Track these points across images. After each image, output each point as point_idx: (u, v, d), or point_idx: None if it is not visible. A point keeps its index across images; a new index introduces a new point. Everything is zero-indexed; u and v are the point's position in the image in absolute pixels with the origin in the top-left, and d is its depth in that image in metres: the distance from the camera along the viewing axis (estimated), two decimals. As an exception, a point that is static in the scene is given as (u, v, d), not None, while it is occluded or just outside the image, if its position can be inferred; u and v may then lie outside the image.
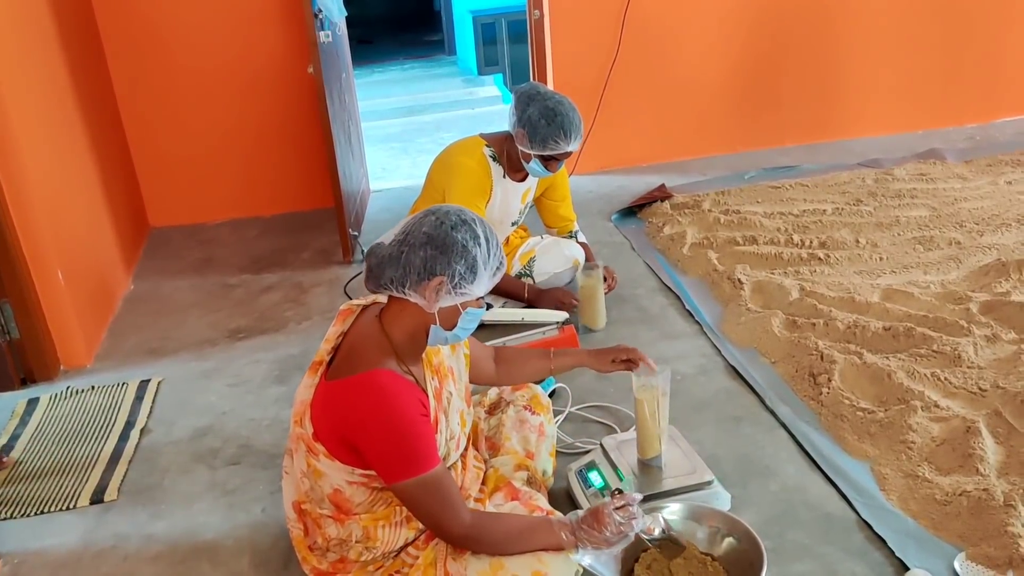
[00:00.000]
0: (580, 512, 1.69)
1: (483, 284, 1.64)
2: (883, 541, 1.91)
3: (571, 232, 3.25)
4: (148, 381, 2.86)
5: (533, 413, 2.04)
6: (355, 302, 1.79)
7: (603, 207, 4.15)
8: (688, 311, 3.06)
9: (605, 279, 2.99)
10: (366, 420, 1.56)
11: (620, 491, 1.71)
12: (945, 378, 2.47)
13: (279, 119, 4.20)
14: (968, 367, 2.51)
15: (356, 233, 3.81)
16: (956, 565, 1.82)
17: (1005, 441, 2.20)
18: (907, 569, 1.79)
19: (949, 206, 3.78)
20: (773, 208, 3.91)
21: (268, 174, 4.32)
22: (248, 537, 2.10)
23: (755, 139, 4.81)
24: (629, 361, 1.99)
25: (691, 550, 1.82)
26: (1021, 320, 2.72)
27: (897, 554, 1.86)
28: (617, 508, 1.66)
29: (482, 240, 1.62)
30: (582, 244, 3.19)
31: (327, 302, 3.32)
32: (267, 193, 4.36)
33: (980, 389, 2.41)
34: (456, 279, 1.59)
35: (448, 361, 1.82)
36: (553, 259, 3.06)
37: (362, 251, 3.69)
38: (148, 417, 2.66)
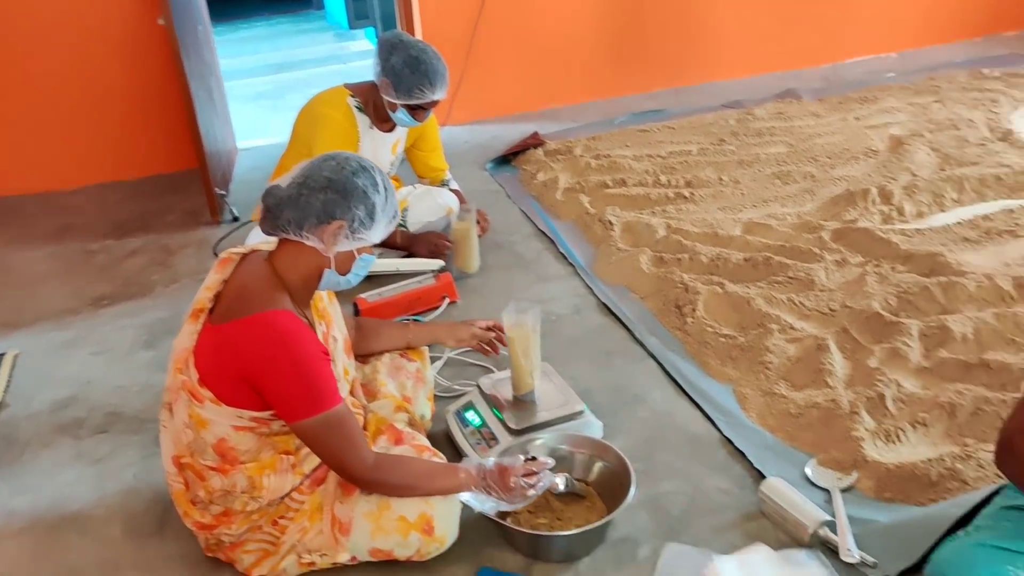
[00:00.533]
0: (490, 461, 1.73)
1: (379, 231, 1.67)
2: (744, 455, 2.03)
3: (443, 181, 3.24)
4: (2, 355, 2.71)
5: (409, 360, 2.06)
6: (234, 250, 1.76)
7: (477, 156, 4.16)
8: (562, 254, 3.12)
9: (478, 222, 3.01)
10: (269, 358, 1.55)
11: (535, 458, 1.75)
12: (799, 302, 2.61)
13: (130, 75, 4.00)
14: (820, 290, 2.67)
15: (224, 193, 3.69)
16: (807, 471, 1.96)
17: (851, 356, 2.36)
18: (764, 478, 1.91)
19: (804, 142, 3.97)
20: (641, 151, 4.01)
21: (126, 136, 4.12)
22: (120, 504, 2.05)
23: (624, 85, 4.90)
24: (491, 344, 2.13)
25: (567, 477, 1.89)
26: (866, 245, 2.90)
27: (756, 466, 1.98)
28: (526, 474, 1.71)
29: (380, 187, 1.65)
30: (455, 191, 3.20)
31: (196, 263, 3.23)
32: (128, 156, 4.16)
33: (830, 310, 2.57)
34: (355, 224, 1.62)
35: (330, 309, 1.83)
36: (427, 208, 3.06)
37: (231, 211, 3.59)
38: (4, 392, 2.54)
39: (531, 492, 1.70)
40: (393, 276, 2.83)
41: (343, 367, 1.80)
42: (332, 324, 1.80)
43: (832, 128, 4.14)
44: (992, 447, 1.89)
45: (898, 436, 2.03)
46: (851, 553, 1.68)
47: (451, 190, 3.20)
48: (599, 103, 4.82)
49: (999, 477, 1.72)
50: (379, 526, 1.63)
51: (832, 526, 1.75)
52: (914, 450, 2.01)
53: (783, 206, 3.36)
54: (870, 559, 1.67)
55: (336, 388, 1.62)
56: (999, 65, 4.81)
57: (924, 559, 1.56)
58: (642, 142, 4.15)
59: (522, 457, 1.74)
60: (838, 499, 1.84)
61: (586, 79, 4.82)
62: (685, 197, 3.47)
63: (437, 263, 2.87)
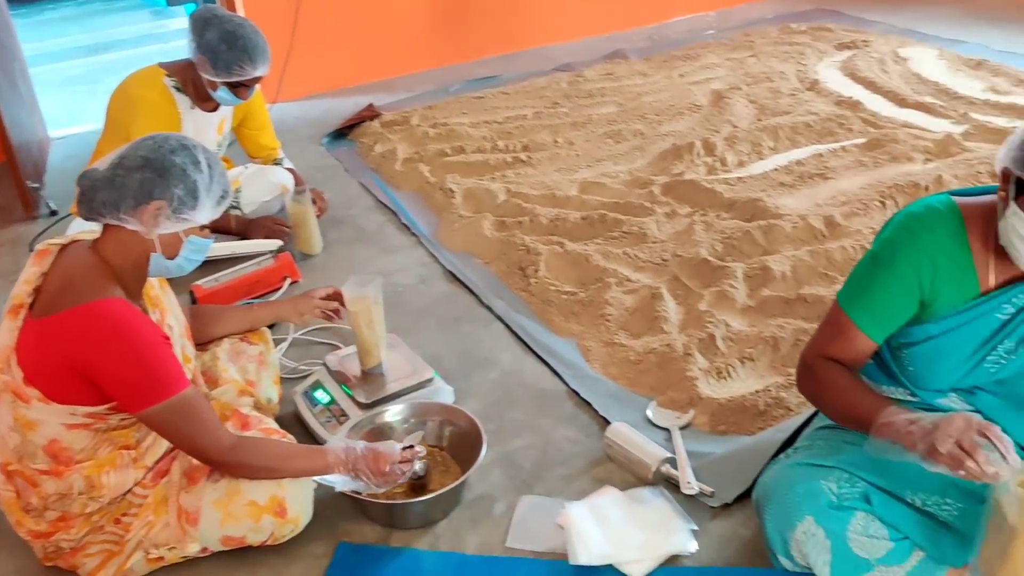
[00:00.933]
0: (360, 445, 1.70)
1: (206, 211, 1.61)
2: (589, 405, 2.11)
3: (276, 160, 3.16)
4: None
5: (250, 343, 2.01)
6: (52, 241, 1.65)
7: (312, 132, 4.07)
8: (404, 225, 3.11)
9: (315, 202, 2.95)
10: (104, 347, 1.48)
11: (412, 445, 1.74)
12: (634, 255, 2.73)
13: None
14: (652, 242, 2.79)
15: (37, 185, 3.45)
16: (648, 412, 2.06)
17: (684, 301, 2.48)
18: (609, 424, 1.99)
19: (633, 101, 4.10)
20: (478, 117, 4.03)
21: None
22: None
23: (456, 53, 4.90)
24: (333, 312, 2.11)
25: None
26: (693, 196, 3.05)
27: (601, 413, 2.07)
28: (402, 461, 1.70)
29: (203, 165, 1.58)
30: (290, 170, 3.12)
31: (12, 262, 3.00)
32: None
33: (663, 260, 2.69)
34: (175, 203, 1.55)
35: (163, 296, 1.76)
36: (260, 187, 2.97)
37: (46, 204, 3.37)
38: None
39: (402, 479, 1.71)
40: (230, 260, 2.74)
41: (184, 354, 1.73)
42: (167, 312, 1.73)
43: (658, 86, 4.30)
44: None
45: (728, 372, 2.16)
46: (691, 486, 1.78)
47: (286, 170, 3.12)
48: (433, 72, 4.80)
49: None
50: (229, 513, 1.59)
51: (673, 462, 1.86)
52: (743, 384, 2.15)
53: (616, 164, 3.48)
54: (708, 489, 1.78)
55: (181, 371, 1.56)
56: (805, 20, 5.13)
57: (755, 484, 1.68)
58: (478, 109, 4.17)
59: (399, 446, 1.73)
60: (677, 437, 1.95)
61: (418, 48, 4.79)
62: (523, 161, 3.52)
63: (275, 243, 2.80)
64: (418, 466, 1.75)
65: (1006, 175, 1.33)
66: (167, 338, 1.59)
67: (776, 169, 3.26)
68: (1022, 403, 1.45)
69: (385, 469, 1.67)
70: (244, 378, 1.92)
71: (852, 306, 1.48)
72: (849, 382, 1.48)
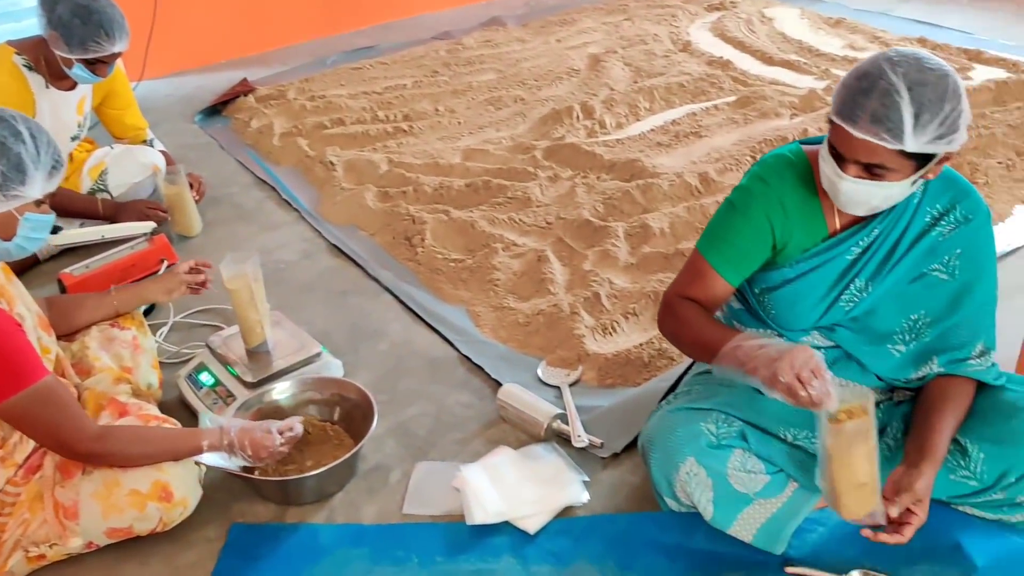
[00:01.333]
0: (234, 424, 1.66)
1: (37, 185, 1.53)
2: (481, 369, 2.13)
3: (145, 141, 3.02)
4: None
5: (122, 328, 1.94)
6: None
7: (184, 109, 3.91)
8: (285, 200, 3.04)
9: (192, 185, 2.84)
10: None
11: (292, 428, 1.71)
12: (519, 219, 2.75)
13: None
14: (537, 206, 2.82)
15: None
16: (539, 372, 2.10)
17: (569, 262, 2.53)
18: (500, 385, 2.02)
19: (512, 67, 4.11)
20: (357, 89, 3.97)
21: None
22: None
23: (332, 24, 4.79)
24: (200, 284, 2.04)
25: (310, 420, 1.89)
26: (574, 159, 3.10)
27: (493, 376, 2.09)
28: (284, 442, 1.66)
29: (26, 137, 1.50)
30: (161, 152, 3.00)
31: None
32: None
33: (547, 223, 2.73)
34: (0, 180, 1.47)
35: (8, 286, 1.65)
36: (128, 169, 2.84)
37: None
38: None
39: (282, 448, 1.68)
40: (101, 245, 2.62)
41: (42, 345, 1.65)
42: (14, 301, 1.62)
43: (536, 52, 4.32)
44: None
45: (613, 328, 2.22)
46: (581, 439, 1.83)
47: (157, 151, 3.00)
48: (309, 44, 4.68)
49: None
50: (110, 504, 1.54)
51: (564, 418, 1.90)
52: (628, 338, 2.21)
53: (498, 131, 3.49)
54: (597, 441, 1.84)
55: (39, 360, 1.49)
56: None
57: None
58: (356, 80, 4.10)
59: (277, 424, 1.70)
60: (567, 393, 1.99)
61: (292, 20, 4.66)
62: (404, 131, 3.49)
63: (149, 225, 2.68)
64: (298, 427, 1.71)
65: (829, 120, 1.41)
66: (20, 325, 1.51)
67: (653, 129, 3.34)
68: (876, 337, 1.55)
69: (271, 447, 1.64)
70: (119, 365, 1.85)
71: (709, 251, 1.56)
72: (703, 317, 1.54)
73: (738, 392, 1.59)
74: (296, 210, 2.97)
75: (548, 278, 2.42)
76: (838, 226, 1.51)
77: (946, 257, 1.48)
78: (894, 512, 1.36)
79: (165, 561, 1.65)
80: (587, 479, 1.74)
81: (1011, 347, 1.85)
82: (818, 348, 1.55)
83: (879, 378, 1.59)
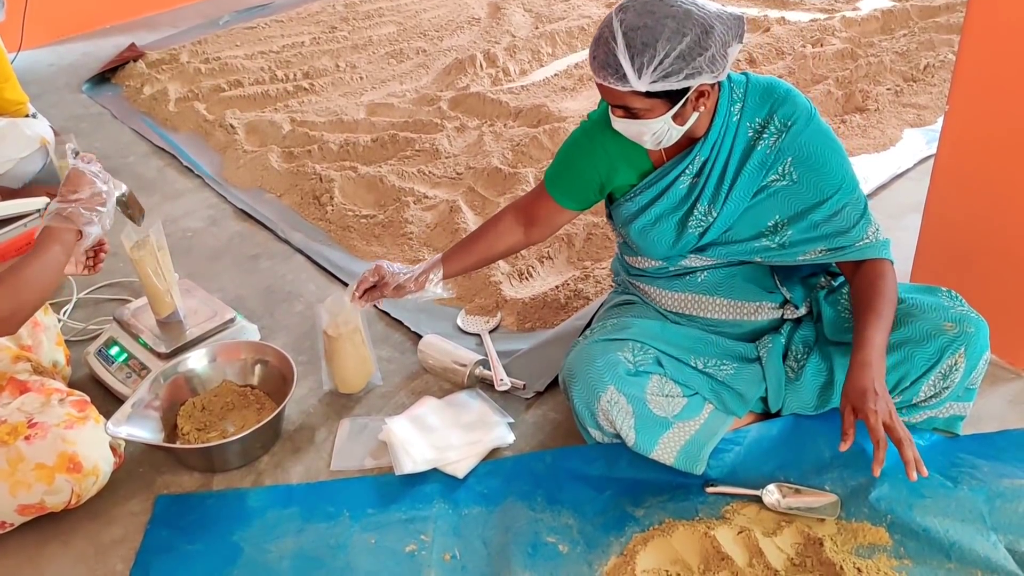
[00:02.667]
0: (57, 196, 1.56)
1: None
2: (401, 323, 2.13)
3: (27, 116, 2.88)
4: None
5: (20, 306, 1.85)
6: None
7: (70, 79, 3.74)
8: (187, 167, 2.95)
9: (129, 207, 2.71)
10: None
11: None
12: (429, 172, 2.74)
13: None
14: (446, 157, 2.81)
15: None
16: (459, 321, 2.11)
17: (481, 211, 2.53)
18: (420, 337, 2.02)
19: (412, 19, 4.05)
20: (253, 49, 3.85)
21: None
22: None
23: (221, -19, 4.62)
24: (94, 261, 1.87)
25: (229, 386, 1.87)
26: (480, 108, 3.09)
27: (413, 329, 2.09)
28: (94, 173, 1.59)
29: None
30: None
31: None
32: None
33: (457, 174, 2.72)
34: None
35: None
36: (13, 143, 2.69)
37: None
38: None
39: (103, 182, 1.60)
40: (-9, 225, 2.50)
41: None
42: None
43: (435, 2, 4.26)
44: (603, 265, 2.17)
45: (529, 273, 2.24)
46: (503, 382, 1.86)
47: (41, 125, 2.86)
48: (199, 5, 4.52)
49: (612, 286, 1.98)
50: (16, 481, 1.48)
51: (486, 364, 1.92)
52: (544, 282, 2.24)
53: (401, 84, 3.44)
54: (519, 383, 1.86)
55: None
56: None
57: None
58: (252, 39, 3.98)
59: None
60: (487, 339, 2.01)
61: (178, -21, 4.48)
62: (305, 89, 3.41)
63: (42, 200, 2.55)
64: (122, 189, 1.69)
65: None
66: None
67: (556, 74, 3.34)
68: (743, 247, 1.61)
69: (85, 178, 1.57)
70: (17, 344, 1.77)
71: (549, 177, 1.73)
72: (484, 231, 1.79)
73: (650, 323, 1.64)
74: (199, 176, 2.89)
75: (462, 228, 2.42)
76: (665, 158, 1.60)
77: (779, 167, 1.54)
78: (845, 424, 1.41)
79: (89, 539, 1.61)
80: (512, 421, 1.77)
81: (904, 262, 1.94)
82: (694, 271, 1.67)
83: (777, 284, 1.66)
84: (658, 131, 1.48)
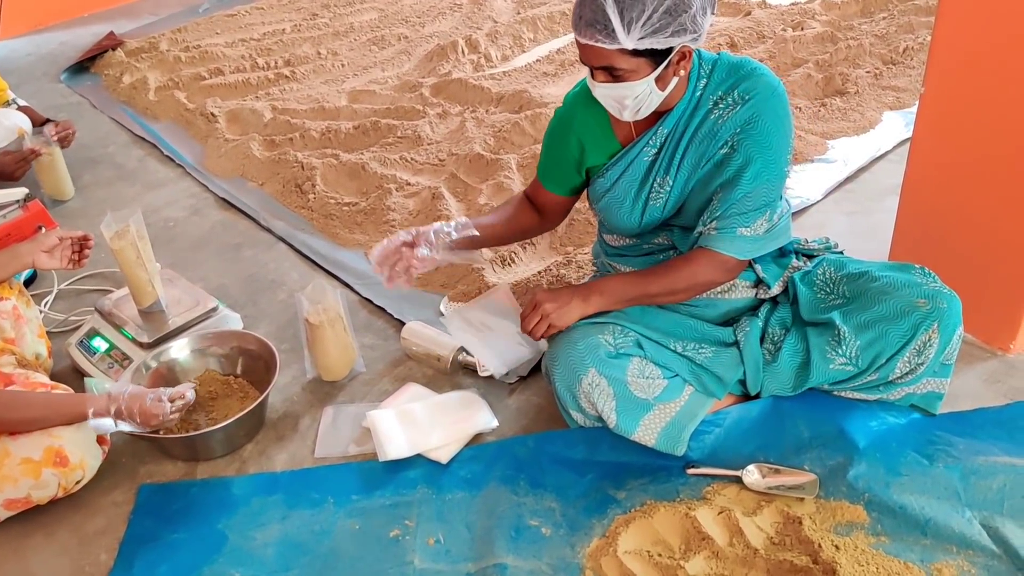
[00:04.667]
0: (126, 390, 1.60)
1: None
2: (383, 310, 2.13)
3: (8, 102, 2.86)
4: None
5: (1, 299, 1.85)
6: None
7: (48, 68, 3.71)
8: (168, 156, 2.94)
9: (60, 136, 2.69)
10: None
11: (183, 395, 1.66)
12: (411, 158, 2.73)
13: None
14: (428, 144, 2.81)
15: None
16: (441, 307, 2.11)
17: (464, 197, 2.53)
18: (403, 324, 2.02)
19: (394, 5, 4.03)
20: (234, 36, 3.83)
21: None
22: None
23: (200, -32, 4.58)
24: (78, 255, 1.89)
25: (211, 375, 1.87)
26: (462, 94, 3.08)
27: (396, 316, 2.09)
28: (174, 408, 1.61)
29: None
30: (24, 108, 2.84)
31: None
32: None
33: (439, 160, 2.72)
34: None
35: None
36: (-9, 134, 2.69)
37: None
38: None
39: (173, 415, 1.62)
40: (-30, 217, 2.48)
41: None
42: None
43: (417, -12, 4.24)
44: (585, 250, 2.18)
45: (512, 259, 2.25)
46: (486, 368, 1.86)
47: (20, 109, 2.84)
48: (178, -8, 4.47)
49: (594, 270, 1.99)
50: (3, 476, 1.48)
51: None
52: (527, 267, 2.24)
53: (383, 70, 3.43)
54: (503, 369, 1.87)
55: None
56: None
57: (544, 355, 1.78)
58: (233, 27, 3.96)
59: (168, 391, 1.64)
60: (470, 326, 2.01)
61: (156, -34, 4.44)
62: (286, 76, 3.40)
63: (21, 191, 2.54)
64: (189, 394, 1.67)
65: None
66: None
67: (538, 60, 3.34)
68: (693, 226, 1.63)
69: (151, 415, 1.58)
70: (1, 337, 1.77)
71: (540, 168, 1.77)
72: (506, 206, 1.82)
73: (631, 308, 1.65)
74: (180, 166, 2.88)
75: (444, 215, 2.42)
76: (633, 135, 1.62)
77: (727, 138, 1.54)
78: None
79: (72, 530, 1.61)
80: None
81: (884, 243, 1.96)
82: (665, 249, 1.71)
83: (751, 263, 1.67)
84: (640, 95, 1.47)
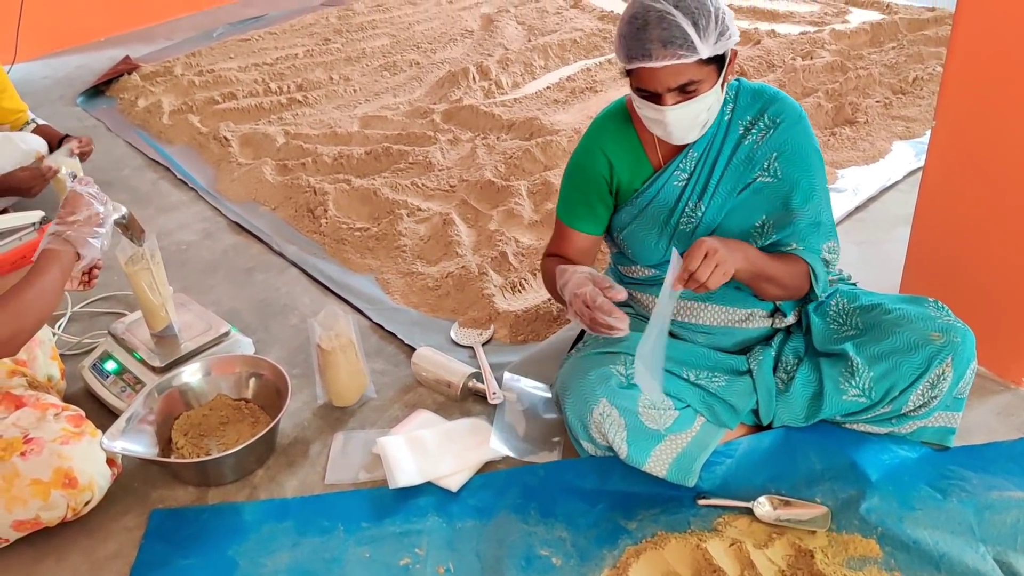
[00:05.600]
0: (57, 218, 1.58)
1: None
2: (394, 335, 2.14)
3: (26, 123, 2.89)
4: None
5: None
6: None
7: (64, 92, 3.75)
8: (181, 180, 2.96)
9: (83, 156, 2.73)
10: None
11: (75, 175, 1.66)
12: (422, 184, 2.75)
13: None
14: (439, 170, 2.82)
15: None
16: (452, 334, 2.12)
17: (474, 223, 2.55)
18: (414, 350, 2.03)
19: (405, 31, 4.07)
20: (247, 61, 3.87)
21: None
22: None
23: (215, -6, 4.65)
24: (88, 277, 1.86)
25: (223, 400, 1.87)
26: (473, 120, 3.11)
27: (406, 342, 2.10)
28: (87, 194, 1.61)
29: None
30: (42, 127, 2.87)
31: None
32: None
33: (450, 186, 2.74)
34: None
35: None
36: (9, 157, 2.69)
37: None
38: None
39: (100, 202, 1.63)
40: (-15, 239, 2.50)
41: None
42: None
43: (429, 15, 4.28)
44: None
45: (522, 286, 2.26)
46: (496, 395, 1.86)
47: (37, 129, 2.87)
48: (193, 17, 4.54)
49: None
50: (12, 497, 1.49)
51: (479, 377, 1.93)
52: (536, 294, 2.25)
53: (395, 96, 3.46)
54: (512, 396, 1.87)
55: None
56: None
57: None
58: (246, 52, 4.00)
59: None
60: (480, 352, 2.02)
61: (173, -8, 4.50)
62: (299, 101, 3.43)
63: (37, 214, 2.56)
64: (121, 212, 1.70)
65: (627, 72, 1.50)
66: None
67: (549, 87, 3.36)
68: None
69: (81, 200, 1.59)
70: (12, 360, 1.78)
71: (564, 212, 1.71)
72: (559, 266, 1.65)
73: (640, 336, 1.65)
74: (193, 189, 2.90)
75: (455, 240, 2.44)
76: (662, 160, 1.63)
77: (765, 162, 1.58)
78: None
79: (84, 554, 1.61)
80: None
81: (893, 273, 1.96)
82: None
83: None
84: (712, 105, 1.48)
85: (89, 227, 1.57)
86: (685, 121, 1.48)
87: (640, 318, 1.74)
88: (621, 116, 1.63)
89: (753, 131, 1.57)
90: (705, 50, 1.39)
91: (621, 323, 1.46)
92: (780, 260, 1.57)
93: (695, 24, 1.38)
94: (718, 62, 1.44)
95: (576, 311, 1.49)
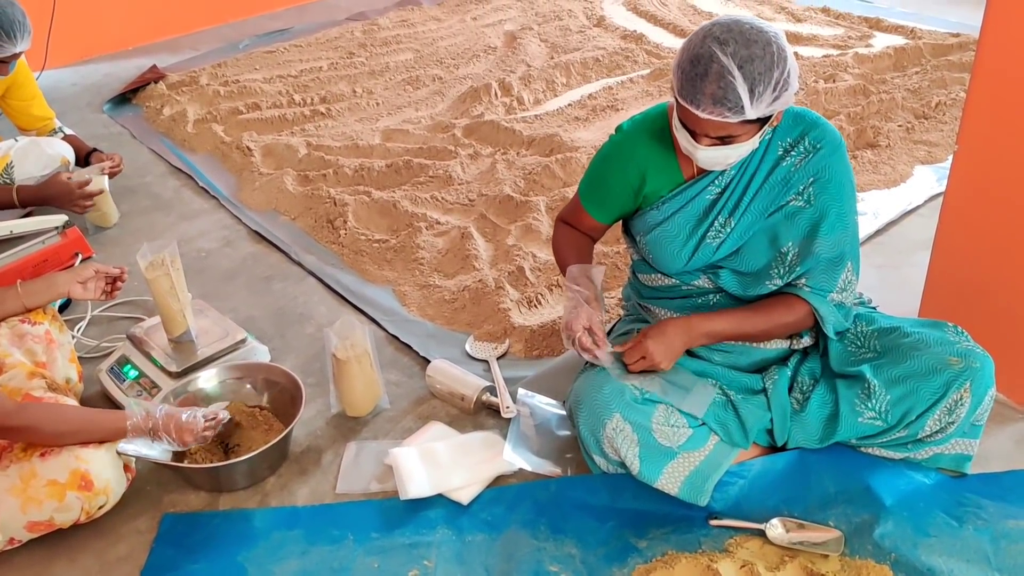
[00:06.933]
0: (161, 408, 1.65)
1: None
2: (409, 347, 2.14)
3: (54, 131, 2.94)
4: None
5: (33, 323, 1.88)
6: None
7: (92, 99, 3.80)
8: (203, 188, 2.99)
9: (111, 175, 2.77)
10: None
11: (216, 415, 1.70)
12: (442, 198, 2.76)
13: None
14: (459, 184, 2.84)
15: None
16: (467, 347, 2.12)
17: (492, 238, 2.55)
18: (429, 362, 2.03)
19: (429, 46, 4.10)
20: (272, 72, 3.91)
21: None
22: None
23: (243, 7, 4.71)
24: (111, 287, 1.95)
25: (238, 406, 1.88)
26: (494, 136, 3.12)
27: (421, 354, 2.10)
28: (208, 427, 1.66)
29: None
30: (70, 137, 2.91)
31: None
32: None
33: (469, 200, 2.75)
34: None
35: None
36: (36, 161, 2.73)
37: None
38: None
39: (207, 432, 1.67)
40: (8, 241, 2.53)
41: None
42: None
43: (453, 30, 4.31)
44: (612, 295, 2.18)
45: (538, 301, 2.26)
46: (510, 410, 1.86)
47: (66, 137, 2.91)
48: (219, 28, 4.59)
49: (620, 311, 1.99)
50: (29, 497, 1.50)
51: (493, 391, 1.93)
52: (552, 310, 2.25)
53: (417, 110, 3.48)
54: (526, 411, 1.87)
55: None
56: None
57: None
58: (271, 63, 4.04)
59: (202, 411, 1.69)
60: (495, 366, 2.02)
61: (201, 4, 4.56)
62: (322, 113, 3.46)
63: (60, 218, 2.60)
64: (222, 414, 1.72)
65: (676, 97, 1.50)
66: None
67: (570, 104, 3.38)
68: (753, 276, 1.64)
69: (187, 431, 1.64)
70: (32, 360, 1.79)
71: (583, 191, 1.76)
72: (567, 242, 1.81)
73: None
74: (214, 197, 2.92)
75: (472, 254, 2.44)
76: (695, 171, 1.63)
77: (800, 186, 1.57)
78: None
79: (95, 556, 1.62)
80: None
81: (913, 298, 1.95)
82: (706, 293, 1.68)
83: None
84: (744, 152, 1.50)
85: (168, 435, 1.64)
86: (715, 160, 1.51)
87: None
88: (660, 122, 1.62)
89: (792, 153, 1.56)
90: (753, 114, 1.40)
91: (603, 356, 1.60)
92: (767, 313, 1.61)
93: (752, 91, 1.38)
94: (763, 119, 1.45)
95: (566, 336, 1.63)
